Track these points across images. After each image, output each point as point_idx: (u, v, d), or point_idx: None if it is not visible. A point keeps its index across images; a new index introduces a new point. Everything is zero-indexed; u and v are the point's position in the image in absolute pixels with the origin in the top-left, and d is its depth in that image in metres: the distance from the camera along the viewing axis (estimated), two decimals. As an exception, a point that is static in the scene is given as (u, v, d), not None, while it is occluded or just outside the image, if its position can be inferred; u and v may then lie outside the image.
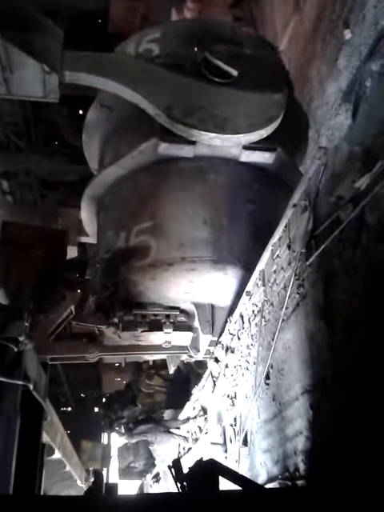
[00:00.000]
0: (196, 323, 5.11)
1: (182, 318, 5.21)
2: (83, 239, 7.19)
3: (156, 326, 5.13)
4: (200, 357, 5.45)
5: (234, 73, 5.02)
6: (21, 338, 4.14)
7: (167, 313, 5.16)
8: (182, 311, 5.21)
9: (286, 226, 3.17)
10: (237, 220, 4.92)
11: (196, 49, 5.08)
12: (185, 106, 4.83)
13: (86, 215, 6.12)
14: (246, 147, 4.97)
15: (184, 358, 6.09)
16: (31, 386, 4.35)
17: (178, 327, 5.21)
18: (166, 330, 5.14)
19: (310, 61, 5.78)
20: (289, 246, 3.10)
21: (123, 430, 8.46)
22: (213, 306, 5.10)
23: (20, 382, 4.17)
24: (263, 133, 4.91)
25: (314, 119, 5.74)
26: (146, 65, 5.15)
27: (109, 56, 5.27)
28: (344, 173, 2.43)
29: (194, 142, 4.86)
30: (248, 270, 4.41)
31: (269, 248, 3.48)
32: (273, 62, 5.64)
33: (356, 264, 2.28)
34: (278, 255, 3.34)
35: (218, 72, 5.02)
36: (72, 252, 5.33)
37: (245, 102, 5.00)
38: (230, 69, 5.02)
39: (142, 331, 5.07)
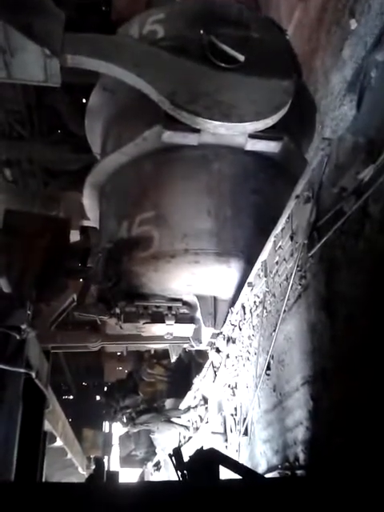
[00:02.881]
0: (198, 315, 5.08)
1: (184, 310, 5.17)
2: (86, 223, 7.18)
3: (158, 318, 5.09)
4: (202, 347, 5.45)
5: (241, 58, 4.90)
6: (23, 327, 4.15)
7: (169, 305, 5.13)
8: (185, 303, 5.18)
9: (288, 217, 3.16)
10: (241, 211, 4.86)
11: (202, 32, 4.96)
12: (189, 92, 4.72)
13: (88, 202, 6.07)
14: (252, 136, 4.88)
15: (186, 346, 6.10)
16: (33, 374, 4.36)
17: (180, 319, 5.17)
18: (168, 322, 5.10)
19: (314, 51, 5.72)
20: (291, 237, 3.09)
21: (126, 420, 8.53)
22: (215, 299, 5.06)
23: (22, 370, 4.18)
24: (269, 121, 4.81)
25: (319, 110, 5.67)
26: (149, 48, 5.03)
27: (111, 39, 5.16)
28: (348, 164, 2.42)
29: (198, 130, 4.77)
30: (251, 262, 4.38)
31: (271, 239, 3.48)
32: (281, 45, 5.47)
33: (358, 255, 2.27)
34: (280, 246, 3.33)
35: (225, 57, 4.90)
36: (75, 236, 5.29)
37: (251, 88, 4.89)
38: (236, 54, 4.90)
39: (143, 323, 5.05)
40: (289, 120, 5.02)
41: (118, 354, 11.39)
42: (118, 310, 4.98)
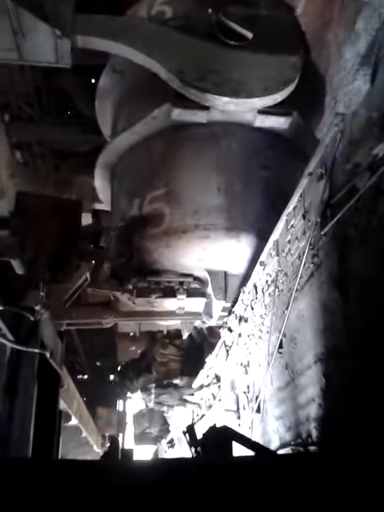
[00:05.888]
0: (209, 290, 5.13)
1: (196, 285, 5.24)
2: (97, 206, 7.19)
3: (170, 293, 5.17)
4: (213, 323, 5.50)
5: (249, 35, 4.88)
6: (37, 308, 4.19)
7: (181, 280, 5.19)
8: (196, 278, 5.23)
9: (301, 195, 3.13)
10: (251, 187, 4.87)
11: (210, 10, 4.93)
12: (198, 70, 4.72)
13: (100, 183, 6.11)
14: (261, 112, 4.86)
15: (197, 323, 6.14)
16: (48, 354, 4.42)
17: (192, 294, 5.24)
18: (179, 297, 5.17)
19: (327, 24, 5.58)
20: (304, 216, 3.07)
21: (145, 395, 8.69)
22: (226, 273, 5.11)
23: (37, 351, 4.25)
24: (278, 97, 4.78)
25: (331, 85, 5.57)
26: (158, 28, 5.03)
27: (121, 19, 5.15)
28: (361, 139, 2.38)
29: (207, 108, 4.76)
30: (261, 237, 4.38)
31: (283, 218, 3.45)
32: (289, 22, 5.43)
33: (372, 233, 2.25)
34: (292, 225, 3.31)
35: (233, 34, 4.88)
36: (87, 219, 5.32)
37: (260, 65, 4.87)
38: (244, 31, 4.88)
39: (155, 297, 5.11)
40: (298, 96, 4.98)
41: (131, 334, 11.47)
42: (130, 286, 5.05)
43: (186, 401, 7.76)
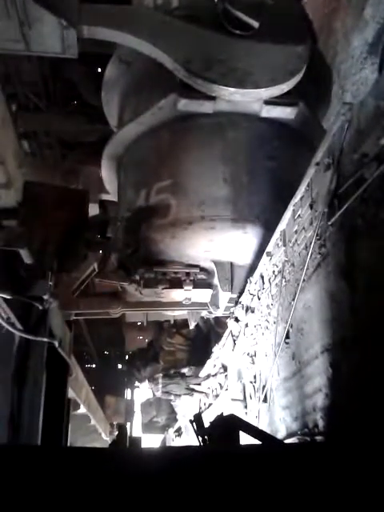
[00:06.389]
0: (215, 281, 5.14)
1: (202, 276, 5.24)
2: (104, 196, 7.21)
3: (176, 283, 5.18)
4: (219, 313, 5.52)
5: (255, 24, 4.85)
6: (45, 297, 4.22)
7: (187, 270, 5.19)
8: (202, 269, 5.24)
9: (308, 185, 3.12)
10: (257, 178, 4.86)
11: (216, 0, 4.90)
12: (204, 59, 4.71)
13: (107, 173, 6.12)
14: (267, 102, 4.85)
15: (204, 313, 6.16)
16: (56, 343, 4.46)
17: (198, 284, 5.25)
18: (186, 288, 5.18)
19: (334, 11, 5.52)
20: (311, 206, 3.06)
21: (153, 384, 8.76)
22: (232, 264, 5.11)
23: (45, 340, 4.28)
24: (284, 87, 4.77)
25: (339, 74, 5.53)
26: (164, 17, 5.01)
27: (127, 9, 5.13)
28: (369, 129, 2.36)
29: (213, 98, 4.76)
30: (268, 228, 4.38)
31: (290, 208, 3.44)
32: (295, 11, 5.40)
33: (379, 223, 2.24)
34: (299, 215, 3.30)
35: (239, 24, 4.85)
36: (94, 209, 5.33)
37: (266, 54, 4.85)
38: (250, 20, 4.85)
39: (162, 288, 5.13)
40: (304, 86, 4.96)
41: (139, 323, 11.54)
42: (137, 277, 5.06)
43: (193, 390, 7.80)
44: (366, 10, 2.49)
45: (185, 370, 8.85)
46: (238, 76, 4.66)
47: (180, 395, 8.67)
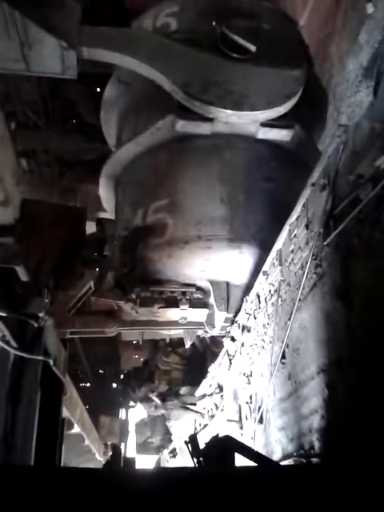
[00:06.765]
0: (211, 300, 5.15)
1: (198, 295, 5.25)
2: (102, 214, 7.25)
3: (172, 303, 5.18)
4: (215, 332, 5.51)
5: (252, 48, 4.94)
6: (41, 315, 4.21)
7: (183, 290, 5.20)
8: (198, 288, 5.25)
9: (304, 205, 3.14)
10: (253, 198, 4.90)
11: (214, 23, 4.99)
12: (202, 82, 4.78)
13: (104, 192, 6.15)
14: (264, 124, 4.92)
15: (200, 332, 6.15)
16: (51, 362, 4.43)
17: (194, 304, 5.25)
18: (182, 307, 5.19)
19: (330, 36, 5.63)
20: (307, 226, 3.08)
21: (148, 404, 8.67)
22: (228, 284, 5.12)
23: (40, 358, 4.25)
24: (281, 110, 4.85)
25: (334, 96, 5.63)
26: (163, 40, 5.09)
27: (126, 31, 5.23)
28: (364, 151, 2.39)
29: (211, 119, 4.82)
30: (264, 248, 4.40)
31: (286, 227, 3.46)
32: (292, 36, 5.52)
33: (375, 244, 2.26)
34: (295, 235, 3.32)
35: (236, 47, 4.95)
36: (91, 227, 5.35)
37: (263, 78, 4.94)
38: (248, 44, 4.95)
39: (158, 307, 5.13)
40: (300, 109, 5.05)
41: (134, 342, 11.47)
42: (133, 295, 5.07)
43: (187, 409, 7.73)
44: (360, 35, 2.55)
45: (181, 390, 8.78)
46: (235, 98, 4.73)
47: (174, 414, 8.58)
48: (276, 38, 5.25)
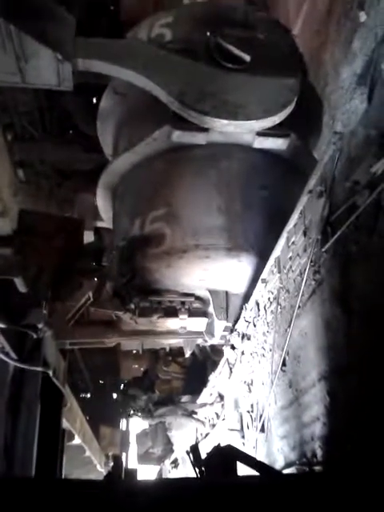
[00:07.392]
0: (211, 309, 5.15)
1: (197, 305, 5.26)
2: (100, 224, 7.25)
3: (171, 313, 5.19)
4: (215, 341, 5.50)
5: (247, 58, 4.98)
6: (40, 326, 4.20)
7: (182, 299, 5.21)
8: (197, 298, 5.25)
9: (301, 213, 3.16)
10: (251, 207, 4.91)
11: (208, 34, 5.03)
12: (197, 92, 4.80)
13: (102, 203, 6.16)
14: (260, 133, 4.94)
15: (199, 341, 6.15)
16: (51, 373, 4.42)
17: (193, 313, 5.26)
18: (181, 316, 5.19)
19: (323, 44, 5.69)
20: (304, 233, 3.09)
21: (143, 413, 8.60)
22: (227, 293, 5.13)
23: (40, 369, 4.24)
24: (276, 119, 4.87)
25: (329, 104, 5.67)
26: (158, 51, 5.12)
27: (121, 42, 5.25)
28: (360, 157, 2.41)
29: (206, 129, 4.84)
30: (262, 256, 4.40)
31: (284, 235, 3.47)
32: (286, 45, 5.56)
33: (373, 250, 2.26)
34: (293, 242, 3.33)
35: (231, 57, 4.98)
36: (89, 237, 5.36)
37: (258, 87, 4.97)
38: (242, 54, 4.98)
39: (158, 317, 5.13)
40: (295, 118, 5.07)
41: (134, 352, 11.43)
42: (132, 306, 5.06)
43: (189, 416, 7.69)
44: (353, 43, 2.57)
45: (182, 399, 8.74)
46: (231, 108, 4.75)
47: (175, 422, 8.52)
48: (270, 47, 5.28)
